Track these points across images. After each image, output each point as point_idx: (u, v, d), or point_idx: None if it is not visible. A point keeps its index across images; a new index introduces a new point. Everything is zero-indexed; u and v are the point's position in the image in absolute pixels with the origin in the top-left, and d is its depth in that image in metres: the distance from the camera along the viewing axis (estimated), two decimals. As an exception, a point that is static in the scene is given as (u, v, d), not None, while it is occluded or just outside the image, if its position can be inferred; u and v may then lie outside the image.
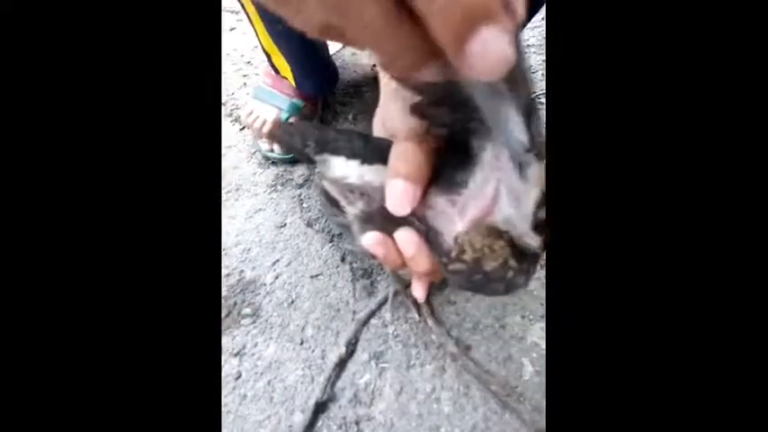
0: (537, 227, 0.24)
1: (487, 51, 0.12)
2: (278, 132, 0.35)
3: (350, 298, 0.52)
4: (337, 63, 0.92)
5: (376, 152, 0.29)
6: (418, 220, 0.27)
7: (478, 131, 0.23)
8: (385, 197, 0.26)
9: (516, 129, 0.21)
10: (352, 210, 0.30)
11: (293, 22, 0.15)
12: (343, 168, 0.30)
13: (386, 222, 0.28)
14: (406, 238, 0.28)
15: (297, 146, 0.33)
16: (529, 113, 0.20)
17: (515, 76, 0.17)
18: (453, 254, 0.26)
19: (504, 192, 0.25)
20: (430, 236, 0.27)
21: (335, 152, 0.31)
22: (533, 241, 0.25)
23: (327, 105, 0.80)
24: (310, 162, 0.34)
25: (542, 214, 0.24)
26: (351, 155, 0.30)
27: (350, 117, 0.79)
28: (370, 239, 0.29)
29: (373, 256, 0.30)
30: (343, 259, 0.56)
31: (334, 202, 0.31)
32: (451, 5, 0.12)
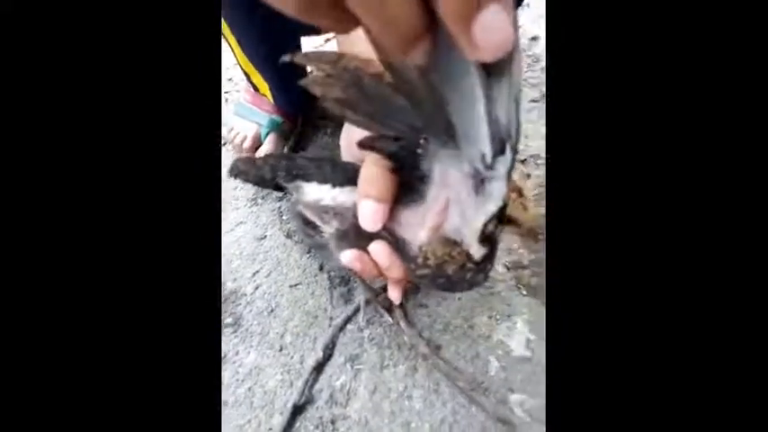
0: (483, 239, 0.27)
1: (492, 28, 0.13)
2: (245, 168, 0.37)
3: (327, 305, 0.55)
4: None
5: (345, 176, 0.33)
6: (388, 233, 0.30)
7: (425, 155, 0.26)
8: (357, 216, 0.29)
9: (482, 142, 0.23)
10: (329, 228, 0.33)
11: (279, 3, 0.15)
12: (317, 192, 0.33)
13: (359, 238, 0.32)
14: (380, 250, 0.31)
15: (267, 177, 0.35)
16: (507, 126, 0.22)
17: (507, 63, 0.18)
18: (420, 261, 0.29)
19: (453, 206, 0.28)
20: (399, 246, 0.30)
21: (307, 178, 0.34)
22: (477, 253, 0.28)
23: (306, 121, 0.83)
24: (280, 190, 0.37)
25: (491, 228, 0.27)
26: (322, 180, 0.33)
27: (329, 131, 0.82)
28: (348, 256, 0.32)
29: (350, 270, 0.33)
30: (321, 268, 0.59)
31: (311, 224, 0.34)
32: None
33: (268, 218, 0.67)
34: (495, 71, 0.18)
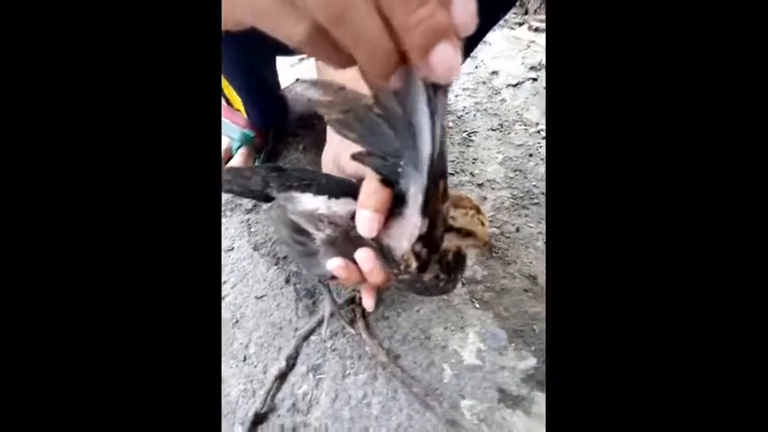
0: (415, 254, 0.32)
1: (444, 58, 0.17)
2: (229, 178, 0.40)
3: (293, 316, 0.57)
4: (289, 96, 0.98)
5: (339, 188, 0.37)
6: (374, 241, 0.34)
7: (403, 175, 0.31)
8: (349, 223, 0.34)
9: (424, 171, 0.28)
10: (320, 235, 0.36)
11: (277, 33, 0.19)
12: (313, 202, 0.37)
13: (347, 244, 0.35)
14: (366, 256, 0.35)
15: (256, 188, 0.39)
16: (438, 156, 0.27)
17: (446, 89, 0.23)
18: (402, 267, 0.33)
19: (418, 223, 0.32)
20: (384, 252, 0.34)
21: (303, 189, 0.37)
22: (413, 264, 0.32)
23: (278, 136, 0.85)
24: (267, 200, 0.40)
25: (418, 247, 0.31)
26: (317, 191, 0.37)
27: (300, 148, 0.85)
28: (335, 263, 0.35)
29: (334, 277, 0.37)
30: (287, 281, 0.61)
31: (302, 232, 0.37)
32: (420, 25, 0.17)
33: (236, 230, 0.68)
34: (438, 92, 0.23)
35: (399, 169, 0.30)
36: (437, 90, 0.22)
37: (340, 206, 0.35)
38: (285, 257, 0.64)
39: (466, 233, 0.34)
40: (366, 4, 0.17)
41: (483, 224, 0.33)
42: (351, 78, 0.24)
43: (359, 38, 0.18)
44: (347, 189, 0.35)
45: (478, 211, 0.34)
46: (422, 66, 0.18)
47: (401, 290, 0.48)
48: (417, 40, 0.17)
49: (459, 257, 0.36)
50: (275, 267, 0.62)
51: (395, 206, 0.32)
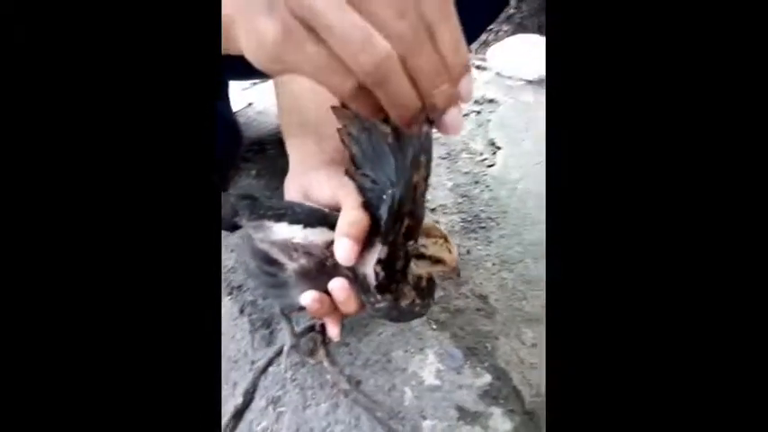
0: (375, 273, 0.34)
1: (455, 119, 0.24)
2: None
3: (248, 348, 0.54)
4: (242, 120, 0.97)
5: (314, 217, 0.37)
6: (348, 270, 0.34)
7: (386, 203, 0.32)
8: (325, 253, 0.34)
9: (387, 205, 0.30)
10: (293, 265, 0.36)
11: (325, 85, 0.23)
12: (287, 231, 0.37)
13: (320, 274, 0.36)
14: (340, 286, 0.35)
15: (225, 216, 0.38)
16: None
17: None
18: (378, 296, 0.34)
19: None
20: (359, 280, 0.35)
21: (277, 219, 0.37)
22: (372, 282, 0.34)
23: (230, 162, 0.84)
24: (233, 229, 0.39)
25: (378, 269, 0.34)
26: (293, 220, 0.37)
27: (252, 173, 0.84)
28: (308, 297, 0.35)
29: (302, 308, 0.37)
30: (241, 311, 0.59)
31: (272, 262, 0.37)
32: (441, 94, 0.23)
33: (185, 259, 0.65)
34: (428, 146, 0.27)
35: (384, 196, 0.32)
36: (429, 145, 0.27)
37: (316, 235, 0.36)
38: (239, 287, 0.62)
39: (436, 260, 0.36)
40: (403, 74, 0.22)
41: (450, 251, 0.36)
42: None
43: (396, 98, 0.23)
44: (323, 218, 0.36)
45: (446, 239, 0.36)
46: (439, 122, 0.25)
47: (376, 318, 0.49)
48: (438, 105, 0.24)
49: (431, 283, 0.38)
50: (229, 297, 0.60)
51: (370, 233, 0.34)
